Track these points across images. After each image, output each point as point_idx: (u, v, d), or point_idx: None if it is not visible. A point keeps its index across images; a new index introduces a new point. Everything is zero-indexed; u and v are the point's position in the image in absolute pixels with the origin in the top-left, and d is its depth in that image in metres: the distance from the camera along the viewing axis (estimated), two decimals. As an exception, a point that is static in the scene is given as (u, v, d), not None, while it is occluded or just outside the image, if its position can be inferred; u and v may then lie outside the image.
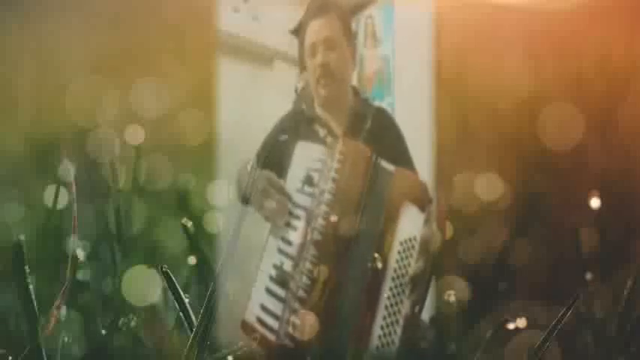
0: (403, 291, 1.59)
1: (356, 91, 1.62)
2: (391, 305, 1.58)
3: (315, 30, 1.60)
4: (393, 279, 1.58)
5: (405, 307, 1.59)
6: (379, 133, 1.60)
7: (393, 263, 1.58)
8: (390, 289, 1.58)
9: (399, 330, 1.58)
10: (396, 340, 1.58)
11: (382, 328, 1.57)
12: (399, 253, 1.59)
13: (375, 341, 1.57)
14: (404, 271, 1.59)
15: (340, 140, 1.59)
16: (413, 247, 1.60)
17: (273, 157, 1.59)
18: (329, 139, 1.59)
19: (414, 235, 1.60)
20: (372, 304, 1.57)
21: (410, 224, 1.60)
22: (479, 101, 2.61)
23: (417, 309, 1.59)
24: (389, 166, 1.60)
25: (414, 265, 1.59)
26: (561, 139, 2.37)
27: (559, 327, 1.40)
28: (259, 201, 1.58)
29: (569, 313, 1.40)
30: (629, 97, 2.57)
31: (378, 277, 1.57)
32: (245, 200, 1.58)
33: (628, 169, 2.28)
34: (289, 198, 1.58)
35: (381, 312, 1.58)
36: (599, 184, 2.05)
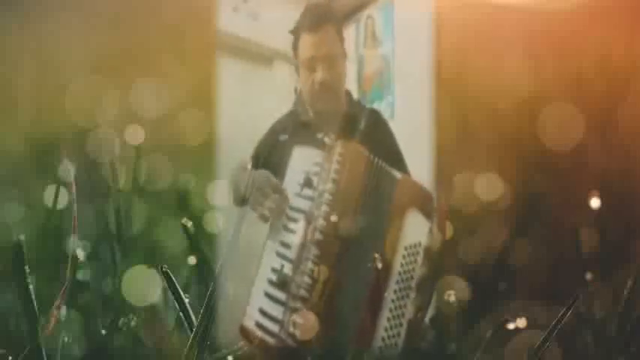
0: (407, 295, 1.59)
1: (349, 94, 1.62)
2: (395, 308, 1.58)
3: (313, 44, 1.60)
4: (397, 282, 1.58)
5: (409, 312, 1.59)
6: (372, 135, 1.60)
7: (397, 267, 1.58)
8: (395, 292, 1.58)
9: (402, 334, 1.58)
10: (399, 344, 1.58)
11: (386, 330, 1.57)
12: (403, 257, 1.59)
13: (378, 344, 1.57)
14: (408, 276, 1.59)
15: (338, 142, 1.59)
16: (417, 252, 1.60)
17: (272, 157, 1.59)
18: (327, 141, 1.59)
19: (419, 241, 1.60)
20: (376, 309, 1.57)
21: (415, 230, 1.60)
22: (479, 101, 2.61)
23: (420, 315, 1.59)
24: (395, 172, 1.59)
25: (418, 271, 1.59)
26: (561, 139, 2.37)
27: (559, 327, 1.40)
28: (256, 200, 1.57)
29: (569, 313, 1.40)
30: (629, 97, 2.57)
31: (381, 281, 1.57)
32: (240, 202, 1.58)
33: (628, 169, 2.28)
34: (286, 197, 1.58)
35: (385, 316, 1.58)
36: (599, 184, 2.05)
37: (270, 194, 1.57)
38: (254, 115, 1.61)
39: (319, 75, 1.60)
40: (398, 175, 1.60)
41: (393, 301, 1.58)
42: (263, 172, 1.58)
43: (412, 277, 1.59)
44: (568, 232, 1.82)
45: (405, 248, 1.59)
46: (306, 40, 1.60)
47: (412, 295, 1.59)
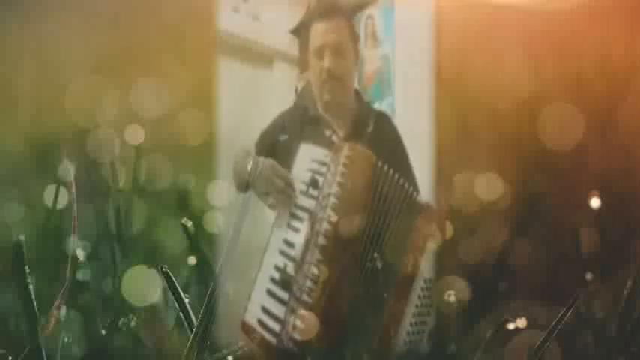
0: (423, 330, 1.59)
1: (358, 95, 1.62)
2: (410, 342, 1.58)
3: (323, 32, 1.60)
4: (414, 315, 1.58)
5: (424, 345, 1.59)
6: (380, 138, 1.60)
7: (415, 300, 1.58)
8: (411, 324, 1.58)
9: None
10: None
11: (398, 358, 1.58)
12: (421, 289, 1.59)
13: None
14: (424, 310, 1.59)
15: (346, 145, 1.58)
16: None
17: (277, 152, 1.59)
18: (335, 139, 1.59)
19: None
20: (390, 341, 1.57)
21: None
22: (479, 101, 2.61)
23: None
24: (420, 199, 1.59)
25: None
26: (561, 139, 2.37)
27: (559, 327, 1.40)
28: (263, 189, 1.57)
29: (569, 313, 1.40)
30: (629, 97, 2.57)
31: (398, 313, 1.57)
32: (243, 188, 1.57)
33: (628, 169, 2.28)
34: (294, 187, 1.57)
35: (399, 345, 1.58)
36: (599, 184, 2.05)
37: (279, 183, 1.56)
38: (254, 115, 1.61)
39: (326, 62, 1.59)
40: (422, 200, 1.59)
41: (408, 333, 1.58)
42: (269, 161, 1.57)
43: (428, 312, 1.59)
44: (568, 232, 1.83)
45: (425, 281, 1.59)
46: (318, 29, 1.60)
47: (427, 330, 1.59)
